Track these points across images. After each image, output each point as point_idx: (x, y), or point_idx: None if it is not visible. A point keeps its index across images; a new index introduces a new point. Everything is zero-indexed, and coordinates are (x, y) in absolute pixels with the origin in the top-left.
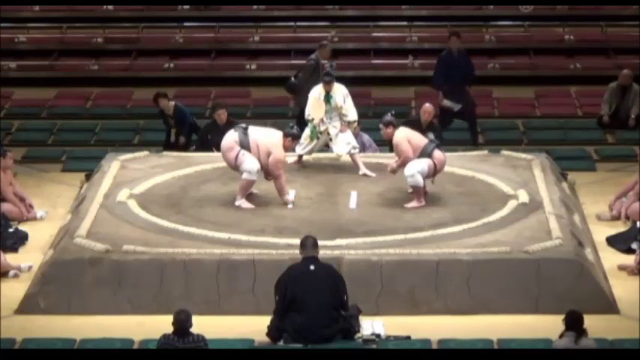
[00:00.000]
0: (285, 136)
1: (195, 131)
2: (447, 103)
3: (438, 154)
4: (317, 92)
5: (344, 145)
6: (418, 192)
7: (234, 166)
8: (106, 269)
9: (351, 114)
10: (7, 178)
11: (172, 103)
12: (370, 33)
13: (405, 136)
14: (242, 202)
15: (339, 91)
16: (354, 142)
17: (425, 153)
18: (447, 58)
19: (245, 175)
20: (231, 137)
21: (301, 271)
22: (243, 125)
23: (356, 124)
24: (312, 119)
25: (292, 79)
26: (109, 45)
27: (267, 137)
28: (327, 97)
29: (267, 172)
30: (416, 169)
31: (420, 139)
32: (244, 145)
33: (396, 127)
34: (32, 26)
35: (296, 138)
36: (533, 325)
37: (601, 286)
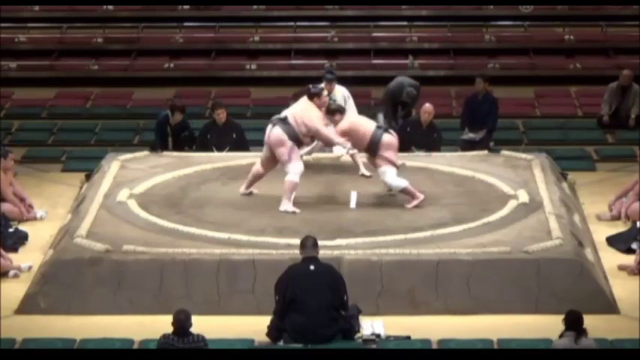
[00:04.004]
0: (310, 97)
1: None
2: (469, 135)
3: (387, 137)
4: None
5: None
6: (407, 192)
7: (282, 161)
8: (106, 269)
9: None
10: (8, 178)
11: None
12: (370, 33)
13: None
14: (288, 207)
15: (340, 93)
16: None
17: (374, 141)
18: (470, 102)
19: (289, 177)
20: (277, 132)
21: (301, 271)
22: (281, 116)
23: None
24: None
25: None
26: (109, 45)
27: (298, 109)
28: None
29: (318, 138)
30: (389, 177)
31: (366, 124)
32: (292, 135)
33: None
34: (32, 26)
35: (320, 94)
36: (533, 325)
37: (601, 286)
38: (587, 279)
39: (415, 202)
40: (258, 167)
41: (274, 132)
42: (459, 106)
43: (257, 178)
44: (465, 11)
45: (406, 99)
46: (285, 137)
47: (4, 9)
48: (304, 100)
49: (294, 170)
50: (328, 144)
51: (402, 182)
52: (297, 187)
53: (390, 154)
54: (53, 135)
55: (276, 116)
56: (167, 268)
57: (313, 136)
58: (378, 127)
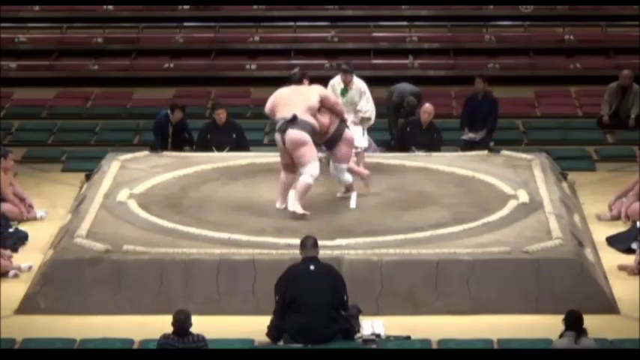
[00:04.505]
0: (299, 82)
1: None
2: (469, 135)
3: (349, 133)
4: (336, 81)
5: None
6: (349, 187)
7: (301, 163)
8: (106, 269)
9: (367, 111)
10: (8, 178)
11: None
12: (370, 33)
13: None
14: (298, 208)
15: (357, 86)
16: (359, 142)
17: (338, 133)
18: (469, 103)
19: (305, 178)
20: (295, 133)
21: (301, 271)
22: (287, 118)
23: (371, 122)
24: None
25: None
26: (109, 45)
27: (301, 99)
28: (344, 91)
29: (335, 108)
30: (344, 174)
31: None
32: (309, 131)
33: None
34: (32, 26)
35: (303, 76)
36: (533, 325)
37: (601, 286)
38: (587, 279)
39: (353, 201)
40: (284, 177)
41: (291, 134)
42: (459, 106)
43: (289, 186)
44: (465, 11)
45: (407, 107)
46: (304, 136)
47: (4, 9)
48: (298, 89)
49: (311, 172)
50: (339, 112)
51: (350, 178)
52: (310, 190)
53: (349, 151)
54: (53, 135)
55: (281, 121)
56: (167, 268)
57: (332, 109)
58: (342, 121)
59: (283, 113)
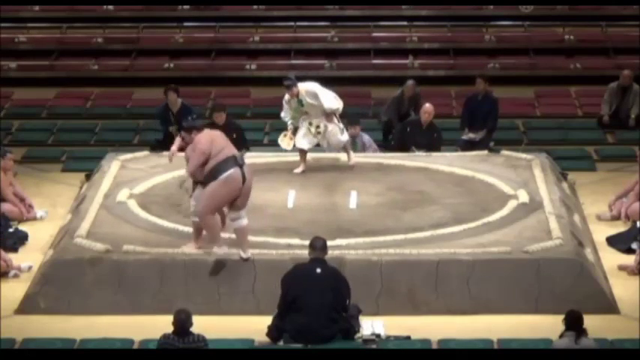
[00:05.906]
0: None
1: None
2: (469, 135)
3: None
4: (286, 98)
5: (338, 138)
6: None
7: (247, 198)
8: (106, 269)
9: (329, 104)
10: (8, 178)
11: (180, 100)
12: (370, 33)
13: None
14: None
15: (308, 92)
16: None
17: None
18: (470, 103)
19: (244, 223)
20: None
21: (306, 272)
22: (237, 153)
23: (339, 111)
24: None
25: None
26: (109, 45)
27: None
28: (299, 102)
29: None
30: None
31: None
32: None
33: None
34: (32, 26)
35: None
36: (533, 325)
37: (601, 286)
38: (587, 279)
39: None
40: (216, 219)
41: (249, 169)
42: (459, 106)
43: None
44: (465, 11)
45: (406, 92)
46: None
47: (4, 9)
48: (214, 131)
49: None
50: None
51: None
52: None
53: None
54: (53, 135)
55: (239, 156)
56: (167, 268)
57: None
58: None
59: (227, 151)
